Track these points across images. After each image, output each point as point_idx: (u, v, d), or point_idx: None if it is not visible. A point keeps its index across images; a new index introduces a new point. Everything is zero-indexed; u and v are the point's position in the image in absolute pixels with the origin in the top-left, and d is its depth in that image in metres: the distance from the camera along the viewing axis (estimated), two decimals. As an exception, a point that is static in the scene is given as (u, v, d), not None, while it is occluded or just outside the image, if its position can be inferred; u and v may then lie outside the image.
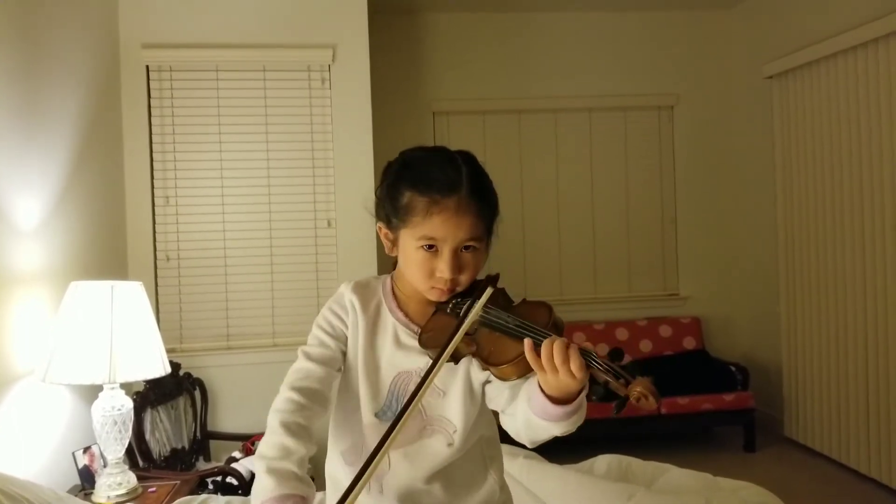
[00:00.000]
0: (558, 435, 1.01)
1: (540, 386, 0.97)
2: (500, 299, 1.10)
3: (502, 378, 1.03)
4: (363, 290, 1.19)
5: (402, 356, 1.14)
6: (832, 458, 3.68)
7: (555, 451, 2.27)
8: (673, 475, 2.08)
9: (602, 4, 4.37)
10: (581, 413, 0.99)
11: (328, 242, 3.30)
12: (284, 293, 3.28)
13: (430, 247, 1.07)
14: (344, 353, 1.17)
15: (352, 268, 3.27)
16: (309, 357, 1.14)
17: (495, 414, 1.18)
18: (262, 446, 1.05)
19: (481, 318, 1.05)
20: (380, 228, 1.17)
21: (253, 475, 2.61)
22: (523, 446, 1.11)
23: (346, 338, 1.18)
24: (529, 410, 1.00)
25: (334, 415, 1.22)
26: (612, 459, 2.20)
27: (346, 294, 1.19)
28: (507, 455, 2.11)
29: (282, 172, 3.29)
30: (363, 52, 3.32)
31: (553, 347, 0.93)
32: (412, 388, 1.12)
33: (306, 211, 3.30)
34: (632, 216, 4.57)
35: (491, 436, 1.24)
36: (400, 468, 1.14)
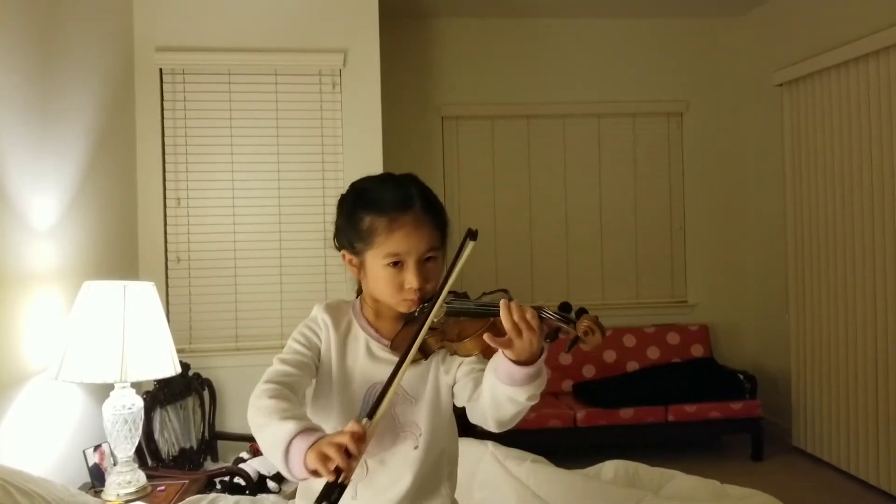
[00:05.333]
0: (523, 402, 1.08)
1: (504, 353, 1.06)
2: (461, 296, 1.20)
3: (466, 353, 1.14)
4: (334, 311, 1.28)
5: (373, 367, 1.22)
6: (840, 468, 3.65)
7: (562, 456, 2.28)
8: (680, 482, 2.07)
9: (612, 11, 4.38)
10: (543, 378, 1.08)
11: (337, 245, 3.32)
12: (293, 295, 3.30)
13: (396, 263, 1.16)
14: (316, 365, 1.23)
15: (360, 271, 3.28)
16: (284, 361, 1.19)
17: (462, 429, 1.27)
18: (261, 416, 1.08)
19: (446, 309, 1.14)
20: (343, 255, 1.25)
21: (261, 476, 2.64)
22: (515, 441, 1.18)
23: (319, 352, 1.24)
24: (496, 380, 1.08)
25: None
26: (619, 465, 2.20)
27: (319, 314, 1.27)
28: (515, 459, 2.11)
29: (292, 175, 3.31)
30: (374, 56, 3.34)
31: (507, 305, 1.04)
32: None
33: (316, 214, 3.31)
34: (640, 222, 4.57)
35: (452, 452, 1.30)
36: (376, 473, 1.21)
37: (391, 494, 1.20)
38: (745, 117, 4.54)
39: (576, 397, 4.04)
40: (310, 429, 1.02)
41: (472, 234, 1.14)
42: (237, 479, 2.55)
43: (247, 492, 2.46)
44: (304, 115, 3.32)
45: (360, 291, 1.31)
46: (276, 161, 3.30)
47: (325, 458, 0.95)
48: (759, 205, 4.46)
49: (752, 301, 4.55)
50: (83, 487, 2.23)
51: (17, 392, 2.05)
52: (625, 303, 4.50)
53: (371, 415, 1.04)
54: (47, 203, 2.28)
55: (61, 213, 2.37)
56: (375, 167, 3.32)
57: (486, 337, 1.04)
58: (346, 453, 0.94)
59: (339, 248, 1.26)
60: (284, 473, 1.03)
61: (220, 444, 3.10)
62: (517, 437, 1.96)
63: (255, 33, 3.27)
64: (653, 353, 4.29)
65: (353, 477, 1.15)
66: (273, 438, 1.03)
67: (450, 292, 1.14)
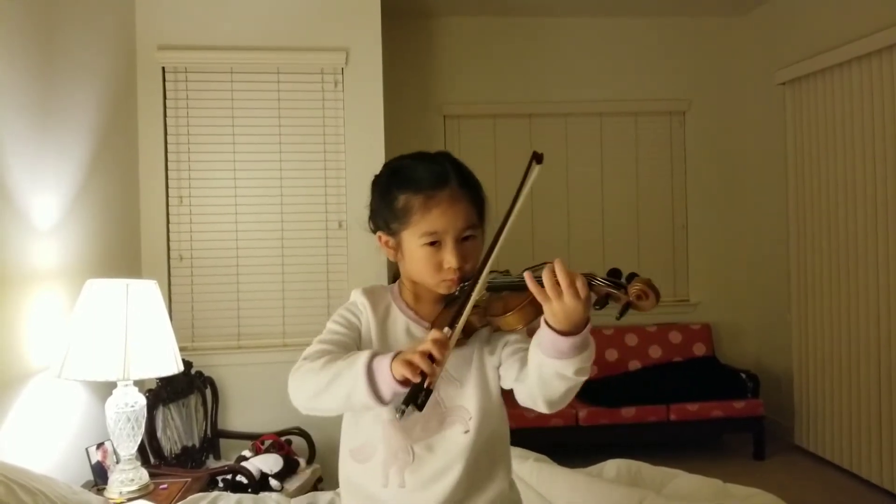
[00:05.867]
0: (572, 377, 1.03)
1: (548, 324, 1.01)
2: (503, 273, 1.16)
3: (509, 328, 1.10)
4: (372, 295, 1.25)
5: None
6: (843, 468, 3.65)
7: (565, 455, 2.28)
8: (683, 481, 2.07)
9: (615, 9, 4.37)
10: (591, 349, 1.03)
11: (339, 244, 3.32)
12: (295, 294, 3.30)
13: (434, 242, 1.13)
14: (357, 346, 1.20)
15: (362, 269, 3.28)
16: (322, 341, 1.18)
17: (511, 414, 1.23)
18: (320, 375, 1.08)
19: (488, 285, 1.11)
20: (380, 237, 1.22)
21: (263, 474, 2.64)
22: (518, 440, 1.15)
23: (359, 333, 1.22)
24: (542, 355, 1.04)
25: (345, 415, 1.25)
26: (621, 464, 2.20)
27: (358, 297, 1.25)
28: (518, 458, 2.11)
29: (294, 174, 3.31)
30: (376, 55, 3.34)
31: (555, 270, 0.99)
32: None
33: (318, 212, 3.32)
34: (642, 221, 4.56)
35: (503, 433, 1.26)
36: (423, 459, 1.17)
37: (444, 483, 1.15)
38: (747, 116, 4.54)
39: (578, 396, 4.01)
40: (380, 353, 1.04)
41: (537, 157, 1.09)
42: (239, 478, 2.55)
43: (249, 490, 2.47)
44: (306, 113, 3.32)
45: (396, 276, 1.28)
46: (279, 160, 3.30)
47: (410, 364, 0.97)
48: (761, 204, 4.45)
49: (754, 300, 4.54)
50: (86, 485, 2.24)
51: (19, 390, 2.05)
52: None
53: (452, 325, 1.03)
54: (49, 202, 2.29)
55: (64, 212, 2.37)
56: (377, 165, 3.27)
57: (528, 311, 1.02)
58: (431, 358, 0.96)
59: (374, 231, 1.23)
60: (371, 402, 1.03)
61: (223, 442, 3.10)
62: (519, 435, 1.95)
63: (257, 32, 3.27)
64: (655, 352, 4.29)
65: (398, 463, 1.16)
66: (350, 375, 1.04)
67: (490, 271, 1.10)
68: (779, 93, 4.14)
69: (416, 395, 0.97)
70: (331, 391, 1.07)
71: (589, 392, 3.97)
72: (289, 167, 3.31)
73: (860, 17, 3.47)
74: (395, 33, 4.06)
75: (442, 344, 0.98)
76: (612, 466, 2.20)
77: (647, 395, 3.88)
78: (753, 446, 3.94)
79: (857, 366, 3.54)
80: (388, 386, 1.01)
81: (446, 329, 1.02)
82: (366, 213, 1.25)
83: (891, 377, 3.32)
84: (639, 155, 4.57)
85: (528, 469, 2.08)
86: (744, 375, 3.99)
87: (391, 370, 1.00)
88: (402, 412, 0.98)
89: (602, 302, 1.00)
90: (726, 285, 4.58)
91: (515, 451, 2.18)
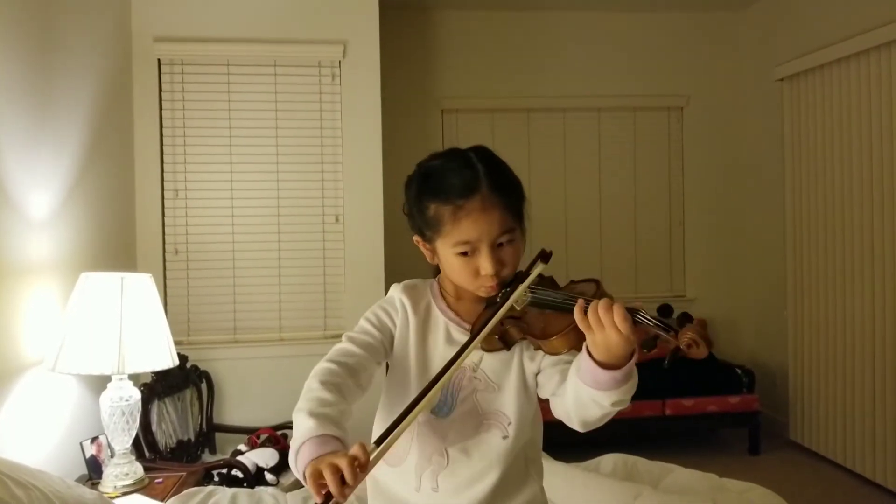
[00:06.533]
0: (608, 408, 0.99)
1: (589, 352, 0.98)
2: (547, 283, 1.11)
3: (553, 351, 1.05)
4: (412, 292, 1.21)
5: (454, 353, 1.11)
6: (837, 463, 3.66)
7: (561, 449, 2.28)
8: (679, 475, 2.08)
9: (613, 4, 4.36)
10: (632, 383, 0.99)
11: (336, 238, 3.31)
12: (292, 288, 3.29)
13: (467, 252, 1.09)
14: (386, 349, 1.18)
15: (359, 263, 3.28)
16: (352, 340, 1.14)
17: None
18: (302, 401, 1.03)
19: (530, 299, 1.06)
20: (417, 241, 1.19)
21: (258, 468, 2.63)
22: (575, 433, 1.11)
23: (393, 336, 1.18)
24: (579, 381, 1.00)
25: (380, 413, 1.22)
26: (617, 459, 2.20)
27: (397, 295, 1.21)
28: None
29: (291, 167, 3.30)
30: (373, 48, 3.32)
31: (598, 303, 0.95)
32: (466, 383, 1.15)
33: (314, 206, 3.30)
34: (639, 217, 4.56)
35: (537, 439, 1.25)
36: (458, 463, 1.14)
37: (479, 487, 1.12)
38: (745, 112, 4.53)
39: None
40: (327, 435, 0.95)
41: (544, 257, 1.06)
42: (235, 472, 2.55)
43: (244, 484, 2.46)
44: (303, 106, 3.30)
45: (437, 271, 1.23)
46: (275, 153, 3.29)
47: (318, 477, 0.88)
48: (758, 200, 4.45)
49: (750, 296, 4.55)
50: (80, 479, 2.23)
51: (13, 384, 2.04)
52: (623, 296, 4.37)
53: (380, 441, 0.94)
54: (44, 194, 2.27)
55: (58, 205, 2.36)
56: (374, 159, 3.31)
57: (572, 337, 0.96)
58: (342, 479, 0.86)
59: (413, 233, 1.20)
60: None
61: (218, 436, 3.09)
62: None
63: (254, 24, 3.24)
64: (651, 348, 4.29)
65: (432, 467, 1.13)
66: (295, 431, 0.99)
67: (539, 271, 1.06)
68: (777, 89, 4.13)
69: None
70: (293, 420, 1.03)
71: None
72: (285, 161, 3.29)
73: (858, 14, 3.47)
74: (393, 26, 4.04)
75: (359, 465, 0.87)
76: (608, 461, 2.20)
77: (642, 391, 3.86)
78: (749, 441, 3.95)
79: (853, 362, 3.55)
80: (299, 474, 0.94)
81: (371, 445, 0.93)
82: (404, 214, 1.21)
83: (886, 373, 3.33)
84: (636, 150, 4.56)
85: (525, 464, 2.08)
86: (739, 371, 3.99)
87: (305, 470, 0.92)
88: None
89: (650, 344, 0.94)
90: (723, 281, 4.59)
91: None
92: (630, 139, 4.55)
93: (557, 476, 1.99)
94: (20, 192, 2.11)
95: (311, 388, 1.04)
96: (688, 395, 3.86)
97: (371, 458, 0.90)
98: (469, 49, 4.39)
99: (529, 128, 4.48)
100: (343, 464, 0.87)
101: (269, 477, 2.61)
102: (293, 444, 0.98)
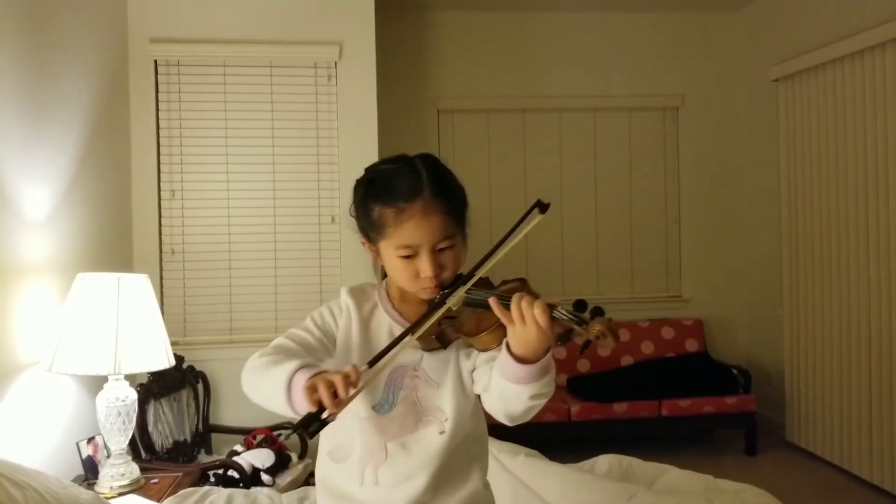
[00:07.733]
0: (528, 401, 1.05)
1: (508, 349, 1.03)
2: (482, 283, 1.16)
3: (483, 348, 1.11)
4: (358, 294, 1.26)
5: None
6: (834, 464, 3.67)
7: (556, 450, 2.29)
8: (674, 476, 2.08)
9: (608, 5, 4.37)
10: (549, 377, 1.05)
11: (332, 238, 3.31)
12: (288, 288, 3.29)
13: (409, 255, 1.13)
14: (327, 348, 1.22)
15: (355, 264, 3.28)
16: (290, 337, 1.19)
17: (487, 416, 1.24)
18: (255, 373, 1.11)
19: (465, 298, 1.11)
20: (363, 243, 1.23)
21: (254, 469, 2.63)
22: (510, 435, 1.16)
23: (335, 336, 1.23)
24: (501, 377, 1.06)
25: None
26: (613, 459, 2.21)
27: (343, 297, 1.25)
28: (509, 453, 2.12)
29: (287, 168, 3.30)
30: (369, 49, 3.33)
31: (519, 299, 1.01)
32: (407, 381, 1.20)
33: (310, 207, 3.31)
34: (635, 217, 4.57)
35: (479, 434, 1.28)
36: (397, 458, 1.18)
37: (417, 482, 1.17)
38: (740, 112, 4.55)
39: (570, 391, 4.05)
40: (310, 365, 1.03)
41: (542, 207, 1.09)
42: (231, 472, 2.55)
43: (240, 485, 2.46)
44: (299, 107, 3.30)
45: (385, 274, 1.27)
46: (271, 153, 3.29)
47: (313, 392, 0.96)
48: (753, 200, 4.46)
49: (746, 296, 4.56)
50: (76, 480, 2.23)
51: (9, 384, 2.04)
52: (619, 297, 4.50)
53: (375, 361, 1.04)
54: (41, 194, 2.27)
55: (55, 205, 2.35)
56: (370, 160, 3.24)
57: (501, 333, 1.02)
58: (334, 392, 0.95)
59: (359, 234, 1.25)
60: (289, 412, 1.03)
61: (214, 436, 3.09)
62: (511, 430, 1.96)
63: (250, 25, 3.25)
64: (647, 348, 4.30)
65: (373, 461, 1.17)
66: (274, 379, 1.03)
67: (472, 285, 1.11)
68: (772, 89, 4.15)
69: (309, 424, 0.96)
70: (260, 389, 1.09)
71: (581, 387, 3.99)
72: (282, 161, 3.30)
73: (853, 14, 3.48)
74: (389, 27, 4.05)
75: (349, 382, 0.95)
76: (603, 461, 2.20)
77: (639, 391, 3.89)
78: (745, 442, 3.96)
79: (849, 362, 3.56)
80: (301, 403, 0.99)
81: (364, 367, 1.01)
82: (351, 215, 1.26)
83: (882, 374, 3.34)
84: (632, 150, 4.57)
85: (520, 464, 2.08)
86: (735, 371, 4.00)
87: (304, 387, 0.98)
88: (290, 435, 0.99)
89: (564, 337, 1.01)
90: (719, 281, 4.60)
91: (506, 446, 2.19)
92: (625, 139, 4.56)
93: (552, 476, 2.00)
94: (17, 192, 2.11)
95: (257, 364, 1.11)
96: (684, 395, 3.87)
97: (362, 380, 0.98)
98: (465, 49, 4.40)
99: (525, 128, 4.48)
100: (336, 379, 0.95)
101: (265, 477, 2.61)
102: (278, 387, 1.02)
